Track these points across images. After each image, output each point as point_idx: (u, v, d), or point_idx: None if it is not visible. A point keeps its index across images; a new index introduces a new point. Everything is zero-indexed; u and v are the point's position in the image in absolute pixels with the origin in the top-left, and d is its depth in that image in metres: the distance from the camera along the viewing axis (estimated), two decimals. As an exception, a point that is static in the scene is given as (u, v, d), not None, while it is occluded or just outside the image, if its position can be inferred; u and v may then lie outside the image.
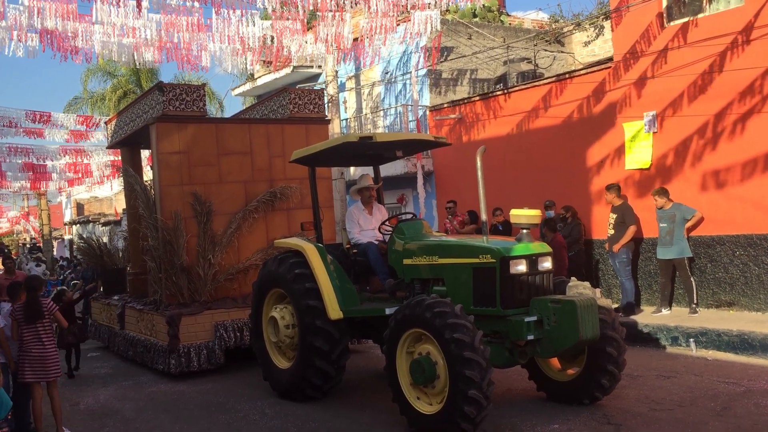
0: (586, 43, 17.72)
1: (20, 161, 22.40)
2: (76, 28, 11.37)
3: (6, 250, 35.89)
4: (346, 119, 19.03)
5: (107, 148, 17.21)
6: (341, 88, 18.89)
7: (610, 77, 12.19)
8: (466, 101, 15.35)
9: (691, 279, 10.58)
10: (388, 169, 14.20)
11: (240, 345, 10.08)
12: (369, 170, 9.67)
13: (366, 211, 8.59)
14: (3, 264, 11.64)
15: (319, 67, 18.21)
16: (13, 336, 7.16)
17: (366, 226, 8.48)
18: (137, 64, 13.01)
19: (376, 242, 8.15)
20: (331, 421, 7.17)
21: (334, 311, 7.61)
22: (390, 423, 6.81)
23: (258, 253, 10.98)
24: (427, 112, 16.18)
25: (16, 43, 11.56)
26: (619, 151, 11.98)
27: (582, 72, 12.94)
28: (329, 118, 14.21)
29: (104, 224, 33.77)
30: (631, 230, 11.02)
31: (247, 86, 22.55)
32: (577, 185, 12.59)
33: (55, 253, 34.04)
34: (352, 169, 16.19)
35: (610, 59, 12.53)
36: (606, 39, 16.68)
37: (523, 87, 14.08)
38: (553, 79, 13.43)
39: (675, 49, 11.21)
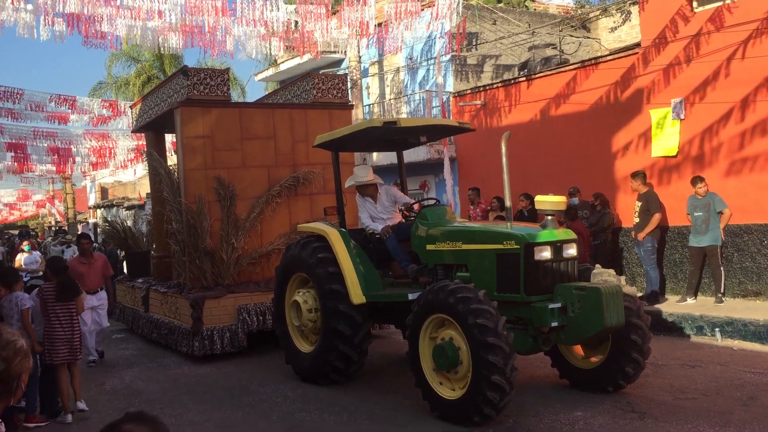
0: (613, 29, 17.45)
1: (45, 145, 22.64)
2: (102, 12, 11.43)
3: (33, 233, 36.33)
4: (369, 105, 18.98)
5: (132, 132, 17.34)
6: (364, 73, 18.84)
7: (637, 63, 12.01)
8: (489, 87, 15.23)
9: (721, 268, 10.43)
10: (410, 156, 14.17)
11: (262, 329, 10.13)
12: (392, 156, 9.63)
13: (370, 201, 8.48)
14: (79, 245, 10.58)
15: (343, 52, 18.17)
16: (42, 313, 7.26)
17: (374, 214, 8.43)
18: (161, 48, 13.06)
19: (391, 229, 8.06)
20: (354, 404, 7.20)
21: (357, 296, 7.62)
22: (412, 408, 6.82)
23: (280, 237, 11.02)
24: (451, 98, 16.09)
25: (44, 27, 11.65)
26: (645, 138, 11.84)
27: (609, 58, 12.78)
28: (352, 103, 14.16)
29: (128, 208, 34.03)
30: (656, 218, 10.89)
31: (270, 71, 22.57)
32: (602, 172, 12.46)
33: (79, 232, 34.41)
34: (374, 154, 16.16)
35: (638, 45, 12.35)
36: (633, 25, 16.42)
37: (549, 73, 13.93)
38: (579, 65, 13.28)
39: (704, 34, 11.02)
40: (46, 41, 11.66)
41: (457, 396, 6.23)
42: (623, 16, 16.91)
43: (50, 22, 11.75)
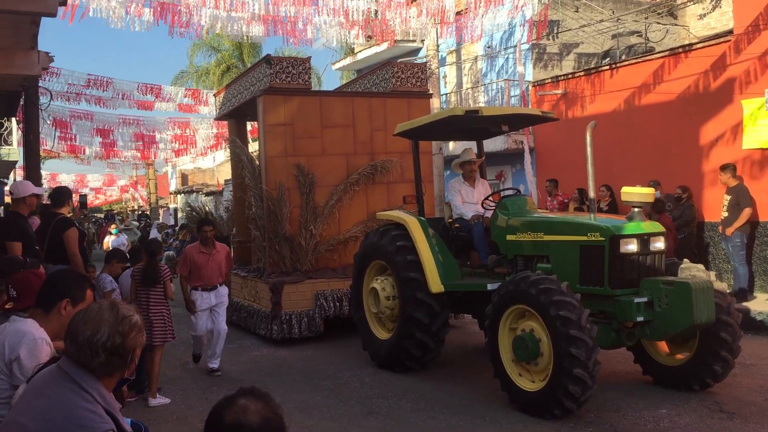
0: (702, 16, 16.80)
1: (131, 131, 23.53)
2: (189, 2, 11.75)
3: (118, 218, 37.80)
4: (446, 94, 18.88)
5: (215, 119, 17.78)
6: (442, 62, 18.73)
7: (729, 51, 11.53)
8: (570, 76, 14.92)
9: (814, 266, 9.97)
10: (487, 146, 14.01)
11: (339, 315, 10.25)
12: (472, 145, 9.59)
13: (467, 185, 8.54)
14: (200, 233, 8.71)
15: (421, 41, 18.12)
16: (131, 295, 7.54)
17: (468, 199, 8.43)
18: (245, 37, 13.32)
19: (480, 217, 8.07)
20: (431, 393, 7.22)
21: (436, 285, 7.62)
22: (490, 398, 6.79)
23: (358, 225, 11.10)
24: (530, 87, 15.84)
25: (132, 16, 12.06)
26: (736, 130, 11.37)
27: (698, 46, 12.31)
28: (431, 92, 14.12)
29: (207, 194, 34.99)
30: (746, 213, 10.46)
31: (348, 60, 22.71)
32: (687, 164, 12.04)
33: (160, 220, 35.60)
34: (450, 144, 16.08)
35: (730, 32, 11.85)
36: (723, 12, 15.77)
37: (635, 61, 13.54)
38: (667, 53, 12.85)
39: (803, 20, 10.49)
40: (127, 31, 12.07)
41: (537, 388, 6.17)
42: (713, 3, 16.25)
43: (138, 12, 12.15)
